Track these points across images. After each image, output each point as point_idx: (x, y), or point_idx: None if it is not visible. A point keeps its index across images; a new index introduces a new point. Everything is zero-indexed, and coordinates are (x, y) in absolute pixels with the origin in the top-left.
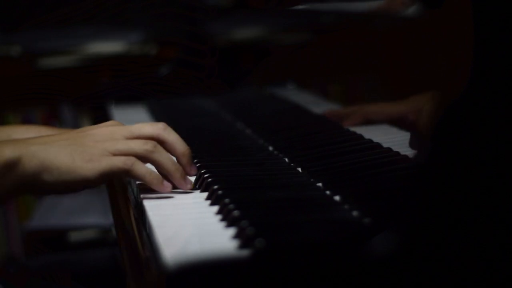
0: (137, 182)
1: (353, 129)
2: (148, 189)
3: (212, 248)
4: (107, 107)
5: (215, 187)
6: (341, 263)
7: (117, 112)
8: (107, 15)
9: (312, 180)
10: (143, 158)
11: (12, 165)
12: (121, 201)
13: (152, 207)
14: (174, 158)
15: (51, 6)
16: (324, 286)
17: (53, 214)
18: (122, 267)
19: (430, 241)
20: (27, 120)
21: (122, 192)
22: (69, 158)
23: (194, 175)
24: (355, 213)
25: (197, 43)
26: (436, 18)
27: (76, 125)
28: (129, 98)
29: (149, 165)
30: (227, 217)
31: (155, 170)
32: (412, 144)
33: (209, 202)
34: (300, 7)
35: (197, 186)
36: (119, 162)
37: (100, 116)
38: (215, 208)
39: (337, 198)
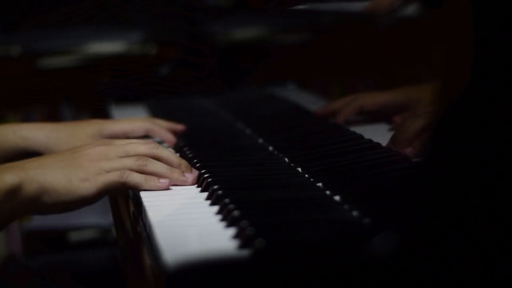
0: None
1: (353, 129)
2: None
3: (212, 248)
4: (107, 107)
5: (215, 187)
6: (341, 263)
7: (117, 112)
8: (107, 15)
9: (312, 180)
10: (138, 173)
11: (13, 191)
12: (121, 201)
13: (152, 207)
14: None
15: (51, 6)
16: (324, 286)
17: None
18: (122, 267)
19: (430, 241)
20: (27, 120)
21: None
22: (66, 180)
23: (193, 182)
24: (355, 213)
25: (197, 43)
26: (436, 18)
27: None
28: (129, 98)
29: None
30: (227, 217)
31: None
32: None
33: (209, 202)
34: (300, 7)
35: (197, 186)
36: (115, 176)
37: (101, 117)
38: (215, 208)
39: (337, 198)
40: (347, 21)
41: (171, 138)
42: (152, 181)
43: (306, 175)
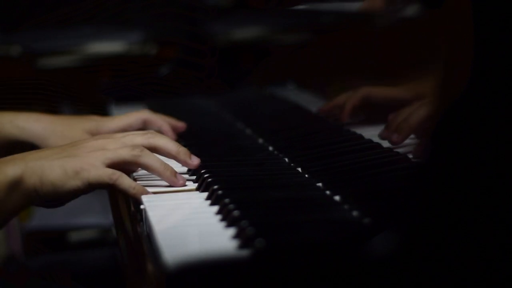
0: (138, 182)
1: (353, 129)
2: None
3: (212, 248)
4: (107, 107)
5: (215, 187)
6: (341, 263)
7: (117, 112)
8: (107, 15)
9: (312, 180)
10: (132, 163)
11: (16, 183)
12: (121, 201)
13: (152, 207)
14: (166, 159)
15: (51, 6)
16: (324, 286)
17: (53, 214)
18: (122, 267)
19: (430, 241)
20: None
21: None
22: (61, 171)
23: (183, 184)
24: (355, 213)
25: (197, 43)
26: (436, 18)
27: None
28: (129, 98)
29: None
30: (227, 217)
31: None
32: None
33: (209, 202)
34: (300, 7)
35: (197, 186)
36: (105, 176)
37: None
38: (215, 208)
39: (337, 198)
40: (347, 21)
41: (168, 128)
42: (140, 191)
43: (306, 175)
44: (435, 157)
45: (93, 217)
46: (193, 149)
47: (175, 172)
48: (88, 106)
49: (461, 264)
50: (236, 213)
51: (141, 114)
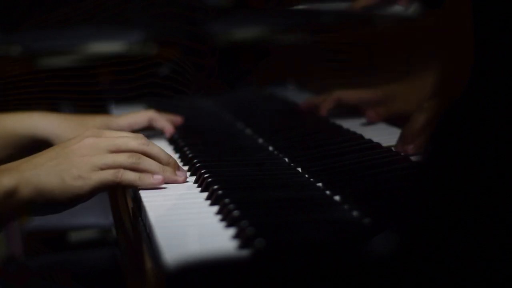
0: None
1: (353, 129)
2: (148, 189)
3: (212, 248)
4: (107, 107)
5: (215, 187)
6: (341, 263)
7: (117, 112)
8: (107, 15)
9: (312, 180)
10: (131, 170)
11: (10, 194)
12: (121, 201)
13: (152, 207)
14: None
15: (51, 6)
16: (324, 286)
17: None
18: (122, 267)
19: (430, 241)
20: None
21: (122, 192)
22: (59, 180)
23: (184, 180)
24: (355, 213)
25: (197, 43)
26: (436, 18)
27: None
28: (129, 98)
29: None
30: (227, 217)
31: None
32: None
33: (209, 202)
34: (300, 7)
35: (197, 186)
36: (109, 175)
37: None
38: (215, 208)
39: (337, 198)
40: (347, 21)
41: (170, 128)
42: (147, 179)
43: (306, 175)
44: (435, 157)
45: (93, 217)
46: (193, 149)
47: (177, 167)
48: (88, 106)
49: (461, 264)
50: (236, 213)
51: (148, 113)
